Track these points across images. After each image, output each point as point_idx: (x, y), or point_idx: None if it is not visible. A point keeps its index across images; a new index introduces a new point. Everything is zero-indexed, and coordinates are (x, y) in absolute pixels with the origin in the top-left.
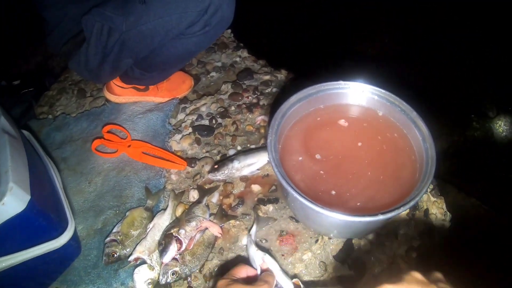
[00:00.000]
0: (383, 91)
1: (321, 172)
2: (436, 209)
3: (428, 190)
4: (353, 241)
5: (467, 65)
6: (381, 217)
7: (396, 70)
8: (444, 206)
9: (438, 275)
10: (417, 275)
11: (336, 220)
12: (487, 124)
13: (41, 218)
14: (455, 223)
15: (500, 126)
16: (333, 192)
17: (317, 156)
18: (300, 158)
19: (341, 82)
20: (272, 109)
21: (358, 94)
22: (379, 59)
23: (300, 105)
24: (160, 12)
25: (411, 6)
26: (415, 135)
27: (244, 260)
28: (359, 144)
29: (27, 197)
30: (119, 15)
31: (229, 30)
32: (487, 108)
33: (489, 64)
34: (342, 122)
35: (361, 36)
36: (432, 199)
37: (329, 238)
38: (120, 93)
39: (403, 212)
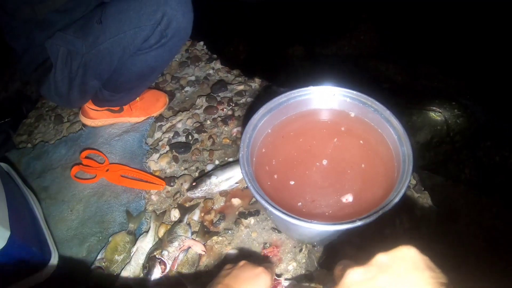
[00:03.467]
0: (354, 92)
1: (298, 180)
2: (421, 204)
3: (411, 186)
4: (338, 246)
5: (446, 58)
6: (359, 223)
7: (374, 66)
8: (429, 201)
9: (402, 252)
10: (381, 257)
11: (316, 230)
12: (468, 110)
13: (23, 253)
14: (444, 215)
15: (480, 112)
16: (312, 200)
17: (293, 165)
18: (275, 169)
19: (311, 87)
20: (246, 119)
21: (329, 98)
22: (356, 56)
23: (271, 115)
24: (115, 30)
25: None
26: (390, 134)
27: None
28: (334, 148)
29: (6, 233)
30: (79, 38)
31: (202, 43)
32: (467, 96)
33: (469, 55)
34: (315, 127)
35: (337, 35)
36: (416, 195)
37: (313, 246)
38: (95, 116)
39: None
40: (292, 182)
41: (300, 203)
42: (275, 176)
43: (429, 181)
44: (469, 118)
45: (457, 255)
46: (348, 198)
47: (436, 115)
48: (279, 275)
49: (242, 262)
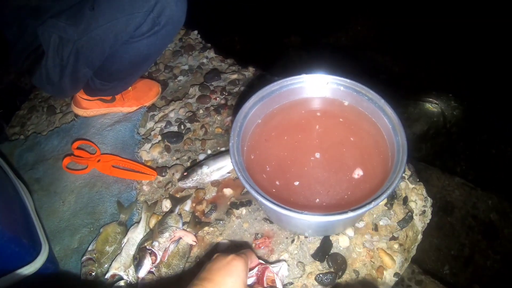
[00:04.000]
0: (348, 80)
1: (290, 170)
2: (416, 195)
3: (406, 177)
4: (331, 237)
5: (444, 49)
6: (351, 214)
7: (371, 57)
8: (424, 192)
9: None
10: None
11: (307, 221)
12: (465, 102)
13: (13, 245)
14: (439, 207)
15: (477, 104)
16: (326, 192)
17: (285, 154)
18: (267, 158)
19: (304, 75)
20: (239, 109)
21: (322, 86)
22: (353, 47)
23: (263, 104)
24: (107, 17)
25: None
26: (384, 123)
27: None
28: (328, 136)
29: None
30: (71, 25)
31: (196, 31)
32: (464, 88)
33: (467, 48)
34: (308, 116)
35: (335, 26)
36: (411, 186)
37: (305, 237)
38: (87, 106)
39: (379, 204)
40: (296, 183)
41: (318, 199)
42: (277, 183)
43: (425, 172)
44: (466, 110)
45: (451, 247)
46: (358, 172)
47: (433, 106)
48: (266, 261)
49: (215, 256)
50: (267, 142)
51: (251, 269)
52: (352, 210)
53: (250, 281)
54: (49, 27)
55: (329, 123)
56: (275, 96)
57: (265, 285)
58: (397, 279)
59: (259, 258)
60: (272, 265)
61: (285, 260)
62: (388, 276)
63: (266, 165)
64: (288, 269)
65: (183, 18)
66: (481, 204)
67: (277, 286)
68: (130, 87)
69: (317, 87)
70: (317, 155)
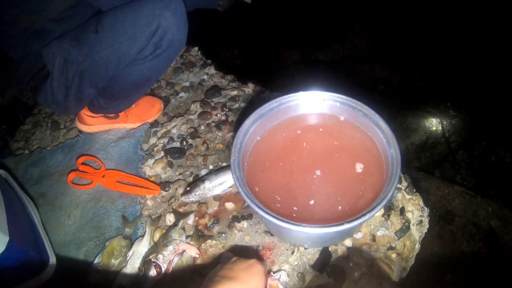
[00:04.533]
0: (344, 97)
1: (290, 184)
2: (412, 206)
3: (402, 188)
4: (330, 248)
5: (440, 58)
6: (346, 226)
7: (369, 68)
8: (421, 202)
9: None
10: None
11: (305, 232)
12: (463, 110)
13: (21, 257)
14: (439, 215)
15: (475, 112)
16: (323, 205)
17: (284, 169)
18: (267, 173)
19: (301, 92)
20: (240, 125)
21: (319, 103)
22: (351, 59)
23: (262, 121)
24: (110, 41)
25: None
26: (379, 137)
27: None
28: (325, 151)
29: (5, 239)
30: (75, 47)
31: (196, 48)
32: (462, 97)
33: (463, 55)
34: (306, 132)
35: (332, 38)
36: (407, 196)
37: (305, 249)
38: (91, 123)
39: (376, 214)
40: (311, 202)
41: (340, 206)
42: (295, 208)
43: (425, 182)
44: (464, 118)
45: (452, 256)
46: (360, 166)
47: (431, 116)
48: (269, 271)
49: (234, 258)
50: (264, 173)
51: None
52: (348, 222)
53: None
54: (53, 49)
55: (321, 138)
56: (274, 114)
57: None
58: None
59: None
60: (274, 274)
61: (283, 270)
62: (387, 286)
63: (275, 195)
64: (287, 275)
65: (183, 41)
66: (481, 211)
67: None
68: (133, 105)
69: (314, 104)
70: (318, 172)
